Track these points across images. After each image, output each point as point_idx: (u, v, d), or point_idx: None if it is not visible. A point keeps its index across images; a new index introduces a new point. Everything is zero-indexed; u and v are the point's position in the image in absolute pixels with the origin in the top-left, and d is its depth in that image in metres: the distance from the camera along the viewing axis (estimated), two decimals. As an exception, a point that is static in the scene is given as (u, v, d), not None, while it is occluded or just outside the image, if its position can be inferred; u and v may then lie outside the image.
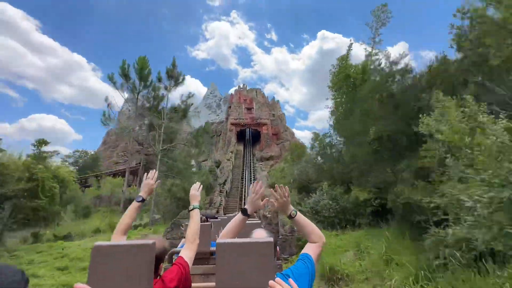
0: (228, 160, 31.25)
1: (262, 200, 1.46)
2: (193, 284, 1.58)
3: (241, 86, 51.53)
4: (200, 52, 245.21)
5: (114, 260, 1.01)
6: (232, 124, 42.26)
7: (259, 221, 3.82)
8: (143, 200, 1.66)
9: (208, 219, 3.11)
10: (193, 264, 1.58)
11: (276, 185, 1.42)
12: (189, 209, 1.72)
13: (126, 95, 23.58)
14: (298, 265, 1.24)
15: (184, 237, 1.89)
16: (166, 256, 2.16)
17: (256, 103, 45.88)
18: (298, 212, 1.37)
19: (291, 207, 1.37)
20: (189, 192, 1.79)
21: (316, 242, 1.34)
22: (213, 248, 2.61)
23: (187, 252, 1.52)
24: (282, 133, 42.91)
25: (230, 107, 45.08)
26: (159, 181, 1.85)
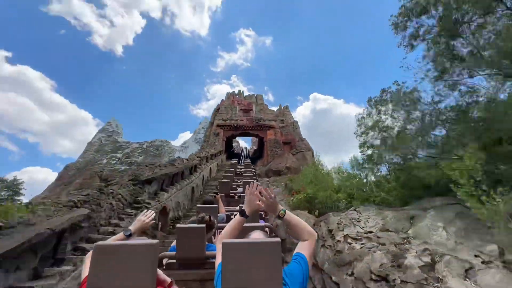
0: (200, 160, 14.85)
1: (259, 201, 1.40)
2: None
3: (236, 91, 38.46)
4: (201, 110, 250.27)
5: (116, 260, 0.98)
6: (219, 126, 27.11)
7: (263, 224, 3.19)
8: (130, 235, 1.52)
9: (203, 204, 3.47)
10: (188, 269, 1.93)
11: (261, 187, 1.39)
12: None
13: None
14: (292, 266, 1.20)
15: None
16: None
17: (257, 106, 31.81)
18: (286, 211, 1.35)
19: (280, 207, 1.36)
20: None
21: (307, 240, 1.29)
22: (208, 253, 2.32)
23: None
24: (298, 141, 27.40)
25: (218, 109, 30.75)
26: (153, 221, 1.70)
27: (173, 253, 2.37)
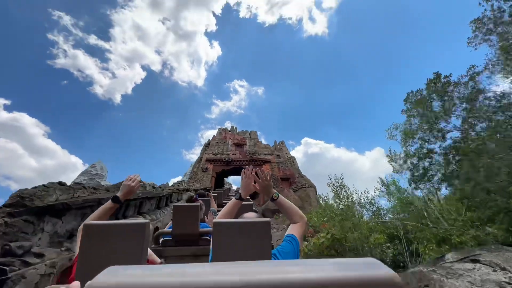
0: (177, 192, 11.45)
1: (255, 182, 1.48)
2: None
3: (228, 126, 36.37)
4: (194, 155, 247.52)
5: (105, 239, 0.95)
6: (208, 160, 24.02)
7: (252, 202, 3.57)
8: (119, 201, 1.45)
9: (198, 199, 3.17)
10: (183, 245, 2.00)
11: (257, 169, 1.48)
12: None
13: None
14: (284, 245, 1.26)
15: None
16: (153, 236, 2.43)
17: (251, 140, 29.39)
18: (280, 195, 1.44)
19: (274, 190, 1.44)
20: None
21: (298, 222, 1.37)
22: (202, 230, 2.46)
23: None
24: (298, 177, 24.22)
25: (208, 144, 28.05)
26: (141, 183, 1.73)
27: (170, 230, 2.46)
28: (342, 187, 7.52)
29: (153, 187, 8.50)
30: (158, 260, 1.45)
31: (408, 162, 6.96)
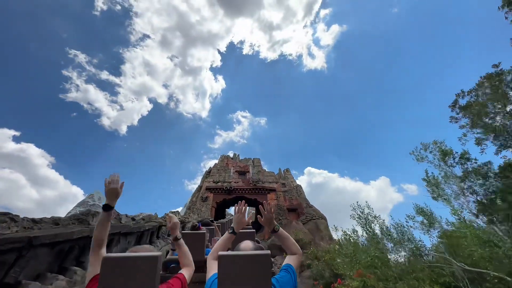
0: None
1: (246, 218, 1.67)
2: None
3: (231, 155, 34.99)
4: (196, 185, 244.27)
5: (122, 270, 1.06)
6: (208, 189, 22.25)
7: (253, 231, 3.60)
8: (110, 208, 1.47)
9: (202, 227, 3.52)
10: None
11: (263, 201, 1.69)
12: (178, 237, 1.72)
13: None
14: (282, 274, 1.34)
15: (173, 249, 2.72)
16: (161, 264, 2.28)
17: (254, 168, 27.80)
18: (280, 227, 1.54)
19: (275, 222, 1.54)
20: (167, 223, 1.80)
21: (295, 254, 1.48)
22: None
23: (186, 271, 1.57)
24: (306, 208, 22.06)
25: (209, 172, 26.47)
26: (123, 182, 1.57)
27: (176, 257, 2.60)
28: (373, 218, 5.79)
29: (133, 220, 6.86)
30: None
31: (464, 184, 5.30)
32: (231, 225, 1.63)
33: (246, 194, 22.24)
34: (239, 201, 1.73)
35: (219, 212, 21.94)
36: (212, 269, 1.37)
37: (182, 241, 1.72)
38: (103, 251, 1.41)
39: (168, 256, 2.77)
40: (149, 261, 1.09)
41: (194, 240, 2.48)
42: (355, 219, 6.20)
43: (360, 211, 6.12)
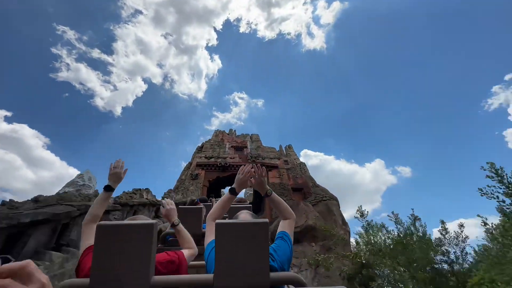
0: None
1: (248, 181, 1.57)
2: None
3: (227, 131, 31.48)
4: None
5: (116, 238, 1.02)
6: (199, 165, 19.01)
7: (249, 205, 3.52)
8: (111, 189, 1.55)
9: (200, 203, 3.54)
10: None
11: (254, 165, 1.55)
12: (175, 223, 1.69)
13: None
14: (279, 243, 1.31)
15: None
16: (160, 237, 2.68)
17: (253, 143, 24.46)
18: (273, 191, 1.52)
19: (267, 187, 1.51)
20: (164, 209, 1.78)
21: (289, 219, 1.46)
22: (204, 230, 2.45)
23: (187, 251, 1.55)
24: (312, 187, 19.08)
25: (201, 148, 23.07)
26: (126, 168, 1.67)
27: (173, 231, 2.59)
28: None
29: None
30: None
31: None
32: (232, 186, 1.57)
33: (243, 172, 19.14)
34: (247, 164, 1.63)
35: (213, 193, 18.92)
36: (211, 234, 1.33)
37: (181, 226, 1.68)
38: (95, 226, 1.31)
39: (167, 230, 2.76)
40: (144, 228, 1.05)
41: (191, 215, 2.51)
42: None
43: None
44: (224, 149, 21.99)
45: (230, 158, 20.19)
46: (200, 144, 25.02)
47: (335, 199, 17.11)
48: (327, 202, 15.78)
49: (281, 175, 18.90)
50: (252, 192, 32.30)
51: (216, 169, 18.81)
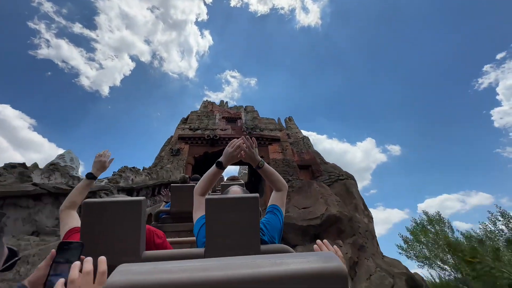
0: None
1: (238, 154, 1.39)
2: (175, 239, 1.89)
3: (217, 103, 27.21)
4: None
5: (104, 215, 1.01)
6: (182, 139, 15.15)
7: (242, 182, 3.44)
8: (93, 177, 1.50)
9: (191, 181, 3.52)
10: (180, 222, 2.26)
11: (243, 137, 1.41)
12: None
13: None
14: (269, 217, 1.28)
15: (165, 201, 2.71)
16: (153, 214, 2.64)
17: (248, 113, 20.53)
18: (265, 163, 1.41)
19: (259, 158, 1.40)
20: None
21: (281, 190, 1.38)
22: None
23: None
24: (320, 164, 15.63)
25: (186, 120, 18.99)
26: (112, 158, 1.63)
27: (168, 208, 2.75)
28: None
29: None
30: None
31: None
32: (219, 159, 1.39)
33: (237, 146, 15.42)
34: (238, 137, 1.43)
35: (199, 172, 15.29)
36: (199, 208, 1.29)
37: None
38: (75, 212, 1.35)
39: (160, 208, 2.74)
40: (132, 205, 1.04)
41: (184, 193, 2.46)
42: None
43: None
44: (213, 121, 18.09)
45: (220, 130, 16.37)
46: (185, 116, 20.96)
47: (352, 177, 13.76)
48: (344, 182, 12.42)
49: (284, 150, 15.33)
50: (246, 172, 29.20)
51: (204, 143, 15.03)
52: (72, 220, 1.25)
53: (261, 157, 1.44)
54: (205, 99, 24.43)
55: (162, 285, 0.39)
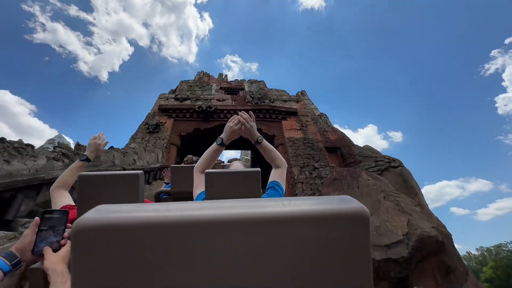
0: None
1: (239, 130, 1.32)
2: None
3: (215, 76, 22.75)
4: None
5: (101, 188, 0.98)
6: (164, 111, 10.98)
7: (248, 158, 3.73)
8: (87, 160, 1.47)
9: (194, 161, 3.42)
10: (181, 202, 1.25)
11: (240, 112, 1.35)
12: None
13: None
14: (270, 192, 1.23)
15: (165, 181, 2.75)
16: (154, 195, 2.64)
17: (252, 84, 16.22)
18: (263, 139, 1.34)
19: (257, 133, 1.33)
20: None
21: (280, 167, 1.34)
22: None
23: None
24: (350, 146, 11.56)
25: (173, 92, 14.75)
26: (107, 141, 1.62)
27: (168, 189, 2.65)
28: None
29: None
30: None
31: None
32: (220, 135, 1.30)
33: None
34: (240, 112, 1.31)
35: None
36: (199, 185, 1.22)
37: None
38: (66, 192, 1.31)
39: (161, 188, 2.72)
40: (130, 177, 1.01)
41: (183, 173, 2.27)
42: None
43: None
44: (209, 91, 13.93)
45: (217, 100, 12.26)
46: (174, 88, 16.69)
47: (402, 164, 9.76)
48: (401, 171, 8.43)
49: (304, 127, 11.28)
50: (249, 157, 25.95)
51: (194, 116, 10.97)
52: (63, 198, 1.22)
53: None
54: (200, 71, 20.07)
55: (143, 224, 0.31)
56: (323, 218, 0.34)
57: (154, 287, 0.31)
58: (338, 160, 11.00)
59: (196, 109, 10.92)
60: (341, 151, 11.20)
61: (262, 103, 11.95)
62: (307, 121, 11.68)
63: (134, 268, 0.31)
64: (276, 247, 0.33)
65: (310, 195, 7.91)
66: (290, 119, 11.55)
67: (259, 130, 11.27)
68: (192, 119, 10.94)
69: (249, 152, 24.40)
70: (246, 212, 0.34)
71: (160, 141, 9.64)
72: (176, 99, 11.95)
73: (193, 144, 10.96)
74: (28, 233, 0.77)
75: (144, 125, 10.43)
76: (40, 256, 0.72)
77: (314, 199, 0.38)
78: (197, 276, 0.32)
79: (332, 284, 0.33)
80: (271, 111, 11.46)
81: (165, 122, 10.33)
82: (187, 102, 11.77)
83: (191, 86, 14.85)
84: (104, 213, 0.33)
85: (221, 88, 14.98)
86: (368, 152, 11.45)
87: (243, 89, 15.18)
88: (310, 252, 0.33)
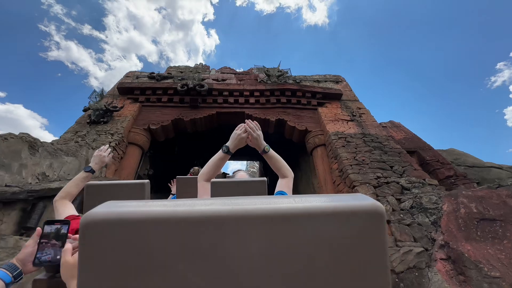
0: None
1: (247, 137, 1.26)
2: None
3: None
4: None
5: (107, 197, 0.91)
6: (125, 89, 6.62)
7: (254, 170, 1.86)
8: (92, 171, 1.46)
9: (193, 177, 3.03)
10: None
11: (247, 120, 1.30)
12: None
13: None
14: None
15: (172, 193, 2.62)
16: None
17: (268, 70, 11.98)
18: (270, 148, 1.30)
19: (264, 143, 1.29)
20: None
21: (287, 177, 1.29)
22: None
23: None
24: (433, 149, 6.95)
25: (168, 76, 10.68)
26: (111, 154, 1.62)
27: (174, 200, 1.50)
28: None
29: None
30: None
31: None
32: (226, 144, 1.23)
33: (254, 108, 6.97)
34: (248, 121, 1.25)
35: (163, 172, 6.99)
36: (204, 194, 1.16)
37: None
38: (69, 202, 1.28)
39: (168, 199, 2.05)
40: (136, 187, 1.02)
41: (189, 184, 2.13)
42: None
43: None
44: (207, 74, 9.73)
45: (214, 80, 8.04)
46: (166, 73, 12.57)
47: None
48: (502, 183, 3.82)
49: (357, 116, 6.85)
50: (255, 169, 22.33)
51: (175, 101, 6.70)
52: (67, 208, 1.21)
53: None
54: (198, 63, 16.14)
55: (152, 219, 0.32)
56: (336, 214, 0.32)
57: (162, 281, 0.31)
58: (418, 160, 6.47)
59: (179, 88, 6.66)
60: (421, 157, 6.66)
61: (285, 83, 7.63)
62: (360, 108, 7.25)
63: (141, 262, 0.31)
64: (288, 244, 0.32)
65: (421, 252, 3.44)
66: (331, 106, 7.16)
67: (283, 121, 6.88)
68: (171, 105, 6.66)
69: (256, 164, 20.55)
70: (258, 208, 0.33)
71: (106, 137, 5.33)
72: (151, 77, 7.76)
73: (172, 145, 6.60)
74: (30, 244, 0.77)
75: (86, 115, 6.19)
76: (40, 267, 0.73)
77: (325, 196, 0.36)
78: (207, 272, 0.31)
79: (347, 282, 0.32)
80: (299, 93, 7.12)
81: (121, 107, 6.06)
82: (169, 81, 7.57)
83: (182, 71, 10.76)
84: (113, 207, 0.33)
85: (222, 73, 10.84)
86: (464, 158, 6.87)
87: (253, 73, 10.99)
88: (323, 249, 0.32)
